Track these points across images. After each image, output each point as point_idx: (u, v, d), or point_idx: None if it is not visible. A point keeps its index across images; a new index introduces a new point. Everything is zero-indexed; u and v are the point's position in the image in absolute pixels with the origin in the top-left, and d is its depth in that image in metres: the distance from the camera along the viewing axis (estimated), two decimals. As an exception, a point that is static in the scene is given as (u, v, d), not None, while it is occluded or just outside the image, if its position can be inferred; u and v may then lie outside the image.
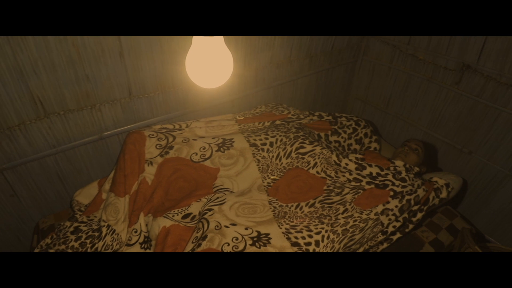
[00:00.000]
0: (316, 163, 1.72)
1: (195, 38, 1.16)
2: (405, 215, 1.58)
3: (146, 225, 1.48)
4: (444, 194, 1.72)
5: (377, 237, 1.56)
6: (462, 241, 1.69)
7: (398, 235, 1.61)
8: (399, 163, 1.75)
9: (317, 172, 1.71)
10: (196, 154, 1.66)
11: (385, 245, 1.60)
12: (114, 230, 1.48)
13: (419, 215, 1.64)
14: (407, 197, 1.59)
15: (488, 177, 2.02)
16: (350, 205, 1.54)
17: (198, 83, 1.27)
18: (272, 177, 1.69)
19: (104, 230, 1.47)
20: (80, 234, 1.47)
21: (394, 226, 1.56)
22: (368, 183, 1.65)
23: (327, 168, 1.71)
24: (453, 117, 2.08)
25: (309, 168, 1.71)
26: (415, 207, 1.61)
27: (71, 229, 1.49)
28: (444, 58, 2.01)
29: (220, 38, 1.17)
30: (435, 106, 2.16)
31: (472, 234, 1.65)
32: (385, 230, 1.55)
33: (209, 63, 1.20)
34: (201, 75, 1.24)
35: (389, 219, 1.54)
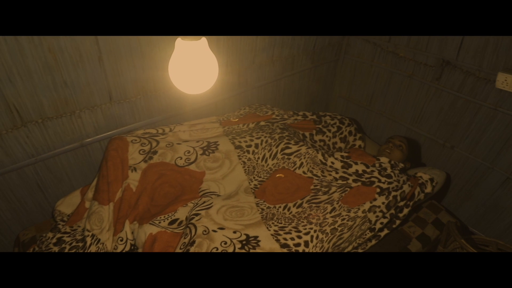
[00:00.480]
0: (302, 163, 1.72)
1: (178, 42, 1.13)
2: (392, 211, 1.59)
3: (132, 232, 1.44)
4: (429, 189, 1.74)
5: (365, 234, 1.56)
6: (448, 234, 1.71)
7: (385, 231, 1.62)
8: (384, 159, 1.76)
9: (304, 172, 1.70)
10: (181, 158, 1.63)
11: (373, 241, 1.61)
12: (99, 240, 1.44)
13: (406, 211, 1.65)
14: (393, 193, 1.60)
15: (471, 171, 2.05)
16: (337, 203, 1.54)
17: (182, 89, 1.24)
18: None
19: (88, 240, 1.43)
20: (63, 245, 1.43)
21: (381, 223, 1.57)
22: (354, 180, 1.66)
23: (313, 168, 1.71)
24: (435, 113, 2.11)
25: (295, 169, 1.71)
26: (401, 203, 1.63)
27: (54, 240, 1.45)
28: (424, 55, 2.04)
29: (204, 42, 1.14)
30: (417, 102, 2.19)
31: (458, 228, 1.68)
32: (373, 227, 1.56)
33: (193, 68, 1.17)
34: (185, 81, 1.21)
35: (377, 216, 1.54)
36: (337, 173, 1.70)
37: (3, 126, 1.33)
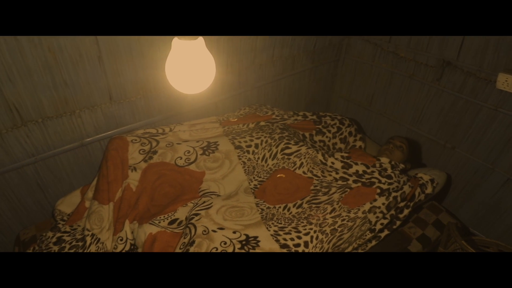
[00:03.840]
0: (302, 163, 1.71)
1: (175, 42, 1.12)
2: (392, 212, 1.59)
3: (132, 232, 1.44)
4: (429, 190, 1.73)
5: (366, 235, 1.56)
6: (449, 235, 1.71)
7: (386, 232, 1.62)
8: (384, 160, 1.76)
9: (304, 172, 1.70)
10: (181, 158, 1.63)
11: (374, 242, 1.61)
12: (99, 239, 1.44)
13: (406, 212, 1.65)
14: (393, 194, 1.59)
15: (471, 171, 2.04)
16: (337, 204, 1.54)
17: (179, 89, 1.23)
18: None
19: (88, 239, 1.43)
20: (63, 245, 1.43)
21: (381, 224, 1.57)
22: (354, 181, 1.65)
23: (313, 168, 1.71)
24: (435, 113, 2.11)
25: (295, 169, 1.71)
26: (402, 204, 1.62)
27: (54, 239, 1.45)
28: (424, 55, 2.03)
29: (201, 41, 1.13)
30: (418, 103, 2.19)
31: (458, 229, 1.67)
32: (373, 227, 1.56)
33: (190, 68, 1.16)
34: (182, 81, 1.19)
35: (377, 217, 1.54)
36: (337, 173, 1.70)
37: (3, 125, 1.33)
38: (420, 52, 2.05)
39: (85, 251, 1.40)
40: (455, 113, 2.00)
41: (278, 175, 1.68)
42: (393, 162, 1.75)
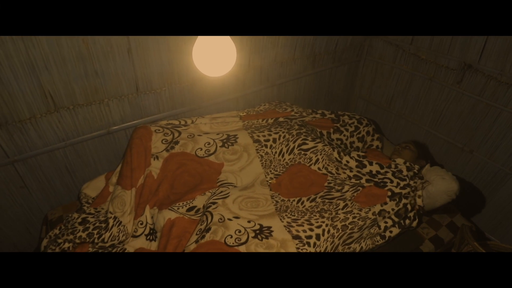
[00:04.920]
0: (318, 159, 1.75)
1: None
2: (402, 221, 1.61)
3: (152, 217, 1.52)
4: (418, 202, 1.69)
5: (377, 241, 1.59)
6: (462, 238, 1.71)
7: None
8: (399, 161, 1.77)
9: (319, 169, 1.74)
10: (201, 149, 1.70)
11: (381, 241, 1.63)
12: (121, 222, 1.52)
13: (414, 223, 1.66)
14: (404, 200, 1.61)
15: (489, 176, 2.03)
16: (350, 201, 1.57)
17: (204, 71, 1.35)
18: (272, 181, 1.71)
19: (111, 221, 1.51)
20: (87, 225, 1.51)
21: (390, 231, 1.60)
22: (367, 180, 1.68)
23: (328, 165, 1.74)
24: (455, 116, 2.10)
25: (311, 164, 1.75)
26: (411, 214, 1.64)
27: (79, 220, 1.53)
28: (445, 58, 2.03)
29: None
30: (437, 105, 2.19)
31: (472, 232, 1.68)
32: (383, 234, 1.59)
33: (214, 54, 1.28)
34: (207, 65, 1.32)
35: (385, 222, 1.57)
36: (351, 171, 1.73)
37: (38, 110, 1.43)
38: (441, 55, 2.05)
39: (108, 232, 1.48)
40: (475, 116, 1.99)
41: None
42: (407, 163, 1.77)
